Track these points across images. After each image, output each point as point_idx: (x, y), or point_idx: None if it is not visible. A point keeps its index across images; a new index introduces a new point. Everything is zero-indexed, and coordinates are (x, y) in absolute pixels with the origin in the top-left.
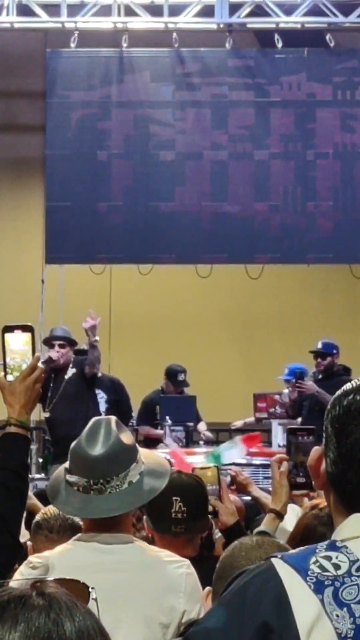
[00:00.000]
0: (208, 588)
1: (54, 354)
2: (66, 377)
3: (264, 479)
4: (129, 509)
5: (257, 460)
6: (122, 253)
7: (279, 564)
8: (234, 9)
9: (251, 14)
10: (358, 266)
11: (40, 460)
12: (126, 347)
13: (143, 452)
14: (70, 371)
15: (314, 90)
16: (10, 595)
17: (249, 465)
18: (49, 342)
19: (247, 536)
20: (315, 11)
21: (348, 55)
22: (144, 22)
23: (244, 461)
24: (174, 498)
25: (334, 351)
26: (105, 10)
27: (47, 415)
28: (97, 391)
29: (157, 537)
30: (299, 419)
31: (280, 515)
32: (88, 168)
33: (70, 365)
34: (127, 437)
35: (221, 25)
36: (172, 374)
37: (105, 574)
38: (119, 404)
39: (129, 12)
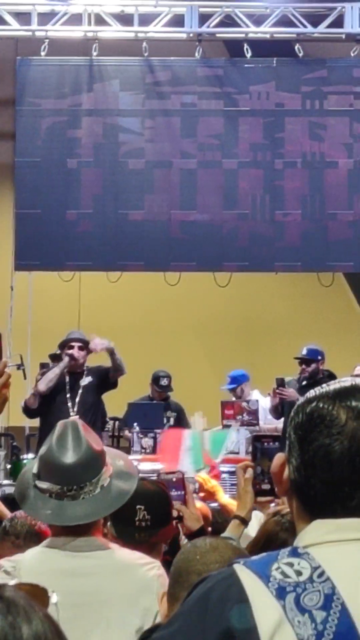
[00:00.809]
0: (162, 591)
1: (76, 352)
2: (82, 383)
3: (232, 485)
4: (104, 513)
5: (224, 467)
6: (91, 260)
7: (241, 570)
8: (203, 19)
9: (221, 24)
10: (326, 275)
11: (9, 466)
12: (94, 355)
13: (109, 452)
14: (86, 379)
15: (282, 99)
16: None
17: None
18: (67, 345)
19: (201, 538)
20: (284, 21)
21: (317, 65)
22: (114, 31)
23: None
24: (138, 507)
25: (319, 357)
26: (75, 19)
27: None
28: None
29: (120, 543)
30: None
31: (244, 522)
32: (58, 176)
33: (85, 373)
34: (95, 442)
35: (191, 35)
36: (155, 379)
37: (79, 579)
38: (100, 411)
39: (99, 21)
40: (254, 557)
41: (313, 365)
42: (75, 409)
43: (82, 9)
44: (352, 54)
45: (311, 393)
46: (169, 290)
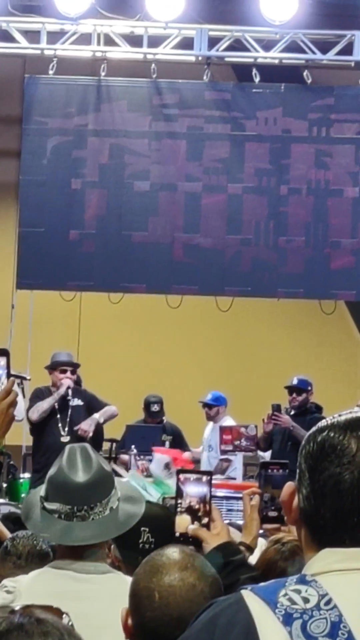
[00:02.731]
0: (125, 607)
1: (70, 381)
2: (71, 404)
3: (228, 511)
4: (112, 535)
5: (220, 493)
6: (93, 281)
7: (248, 596)
8: (213, 42)
9: (230, 47)
10: (328, 302)
11: (5, 485)
12: (94, 375)
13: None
14: (75, 400)
15: (289, 125)
16: (9, 624)
17: (212, 497)
18: (59, 369)
19: (170, 551)
20: (293, 47)
21: (324, 92)
22: (123, 52)
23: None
24: (142, 529)
25: (309, 388)
26: (84, 39)
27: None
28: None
29: (123, 566)
30: (268, 453)
31: (250, 549)
32: (62, 195)
33: (72, 394)
34: (105, 464)
35: (200, 58)
36: (146, 405)
37: (80, 603)
38: (98, 433)
39: (109, 41)
40: (262, 584)
41: (303, 395)
42: (67, 430)
43: (91, 29)
44: None
45: (323, 422)
46: (171, 313)
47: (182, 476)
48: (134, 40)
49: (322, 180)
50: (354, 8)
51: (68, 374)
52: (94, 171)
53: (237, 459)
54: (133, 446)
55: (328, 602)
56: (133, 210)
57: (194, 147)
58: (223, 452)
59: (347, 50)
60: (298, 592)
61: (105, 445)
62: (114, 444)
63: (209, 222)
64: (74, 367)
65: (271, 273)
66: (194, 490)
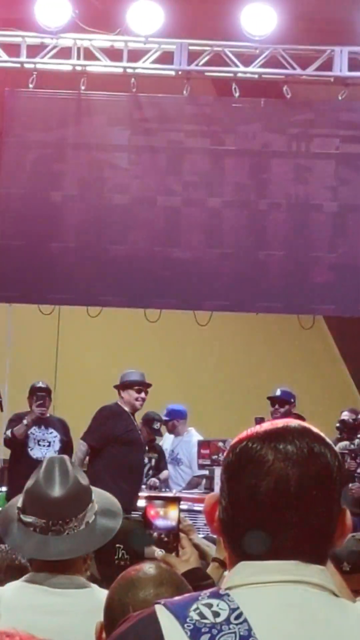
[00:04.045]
0: (99, 621)
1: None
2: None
3: (205, 525)
4: (87, 550)
5: (198, 507)
6: (72, 294)
7: (160, 611)
8: (193, 56)
9: (210, 62)
10: (306, 317)
11: None
12: (72, 388)
13: (94, 490)
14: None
15: (269, 140)
16: None
17: (189, 511)
18: (134, 387)
19: (146, 566)
20: (273, 62)
21: (304, 107)
22: (103, 66)
23: (184, 507)
24: (117, 545)
25: (292, 400)
26: (64, 53)
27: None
28: (51, 430)
29: (103, 584)
30: None
31: (224, 564)
32: (41, 208)
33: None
34: (82, 477)
35: (179, 72)
36: (148, 421)
37: (56, 617)
38: (68, 444)
39: (89, 55)
40: (177, 598)
41: (286, 407)
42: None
43: (71, 43)
44: (339, 98)
45: (243, 433)
46: (149, 327)
47: (152, 511)
48: (114, 54)
49: (301, 195)
50: (333, 23)
51: (143, 394)
52: (73, 184)
53: (216, 474)
54: None
55: (238, 617)
56: (112, 223)
57: (173, 161)
58: (201, 466)
59: (327, 65)
60: (209, 606)
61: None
62: None
63: (189, 236)
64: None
65: (250, 287)
66: (162, 524)
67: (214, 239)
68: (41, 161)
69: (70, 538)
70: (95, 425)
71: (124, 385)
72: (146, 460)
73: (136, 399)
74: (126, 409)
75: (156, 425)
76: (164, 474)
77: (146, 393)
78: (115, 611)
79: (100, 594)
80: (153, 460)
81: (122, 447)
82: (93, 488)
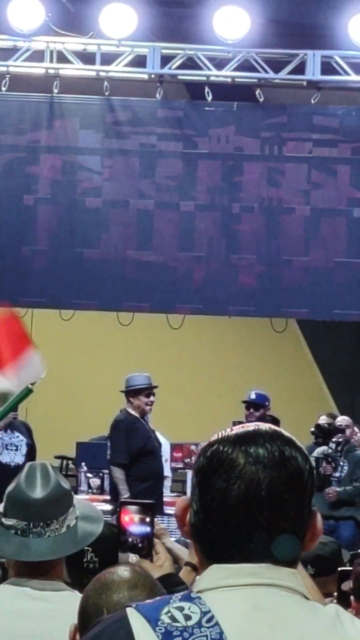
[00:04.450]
0: (73, 624)
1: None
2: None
3: (177, 528)
4: (67, 552)
5: (170, 510)
6: (45, 298)
7: (132, 614)
8: (165, 60)
9: (182, 66)
10: (279, 320)
11: None
12: (44, 392)
13: (75, 497)
14: (21, 436)
15: (242, 144)
16: None
17: (162, 514)
18: (144, 392)
19: (121, 568)
20: (246, 66)
21: (277, 110)
22: (75, 69)
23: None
24: (86, 548)
25: (267, 403)
26: (37, 56)
27: None
28: (17, 434)
29: (72, 585)
30: None
31: (196, 568)
32: (14, 212)
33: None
34: (64, 482)
35: (152, 76)
36: None
37: (35, 622)
38: (33, 448)
39: (62, 58)
40: (148, 601)
41: (261, 410)
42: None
43: (44, 46)
44: (312, 101)
45: (214, 436)
46: (122, 330)
47: (126, 517)
48: (87, 58)
49: (274, 198)
50: (306, 27)
51: (152, 397)
52: (46, 188)
53: (189, 477)
54: (83, 463)
55: (210, 620)
56: (85, 227)
57: (146, 165)
58: (174, 469)
59: (300, 69)
60: (181, 609)
61: (56, 462)
62: (64, 462)
63: (161, 240)
64: (155, 388)
65: (223, 291)
66: (136, 530)
67: (187, 242)
68: (14, 164)
69: (51, 540)
70: (120, 444)
71: (133, 391)
72: None
73: (146, 404)
74: (136, 414)
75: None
76: None
77: (154, 395)
78: (89, 614)
79: (78, 598)
80: None
81: (146, 456)
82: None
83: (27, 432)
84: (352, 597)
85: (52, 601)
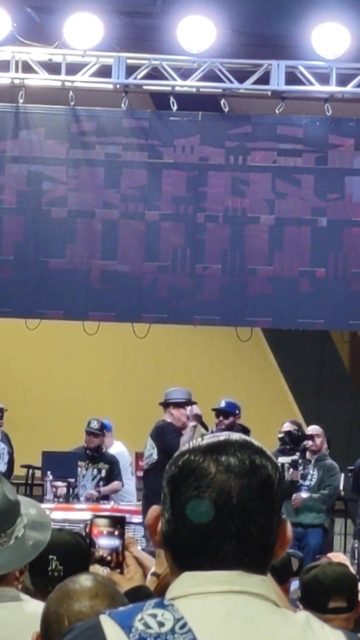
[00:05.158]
0: (35, 631)
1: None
2: None
3: (143, 537)
4: (19, 565)
5: (136, 519)
6: (10, 307)
7: (105, 621)
8: (131, 70)
9: (148, 76)
10: (244, 329)
11: None
12: (11, 401)
13: (23, 501)
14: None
15: (206, 153)
16: None
17: (128, 523)
18: (184, 405)
19: (83, 577)
20: (210, 76)
21: (241, 120)
22: (41, 79)
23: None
24: (50, 557)
25: (237, 411)
26: (3, 66)
27: None
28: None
29: (35, 594)
30: None
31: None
32: None
33: None
34: (10, 491)
35: (117, 86)
36: (87, 423)
37: None
38: (12, 455)
39: (27, 68)
40: (122, 608)
41: (230, 418)
42: None
43: (9, 56)
44: (277, 111)
45: (186, 446)
46: (88, 339)
47: (95, 529)
48: (52, 68)
49: (238, 208)
50: (270, 38)
51: (187, 410)
52: (11, 197)
53: None
54: (49, 472)
55: (183, 626)
56: (50, 236)
57: (111, 175)
58: (139, 477)
59: (264, 79)
60: (154, 616)
61: (22, 472)
62: (30, 470)
63: (126, 249)
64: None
65: (188, 300)
66: (106, 543)
67: (152, 252)
68: None
69: (1, 553)
70: (171, 438)
71: (175, 404)
72: (95, 471)
73: (186, 417)
74: (176, 424)
75: (93, 424)
76: (112, 486)
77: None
78: (51, 622)
79: (33, 606)
80: (103, 471)
81: None
82: (23, 498)
83: (7, 440)
84: (300, 605)
85: (5, 608)
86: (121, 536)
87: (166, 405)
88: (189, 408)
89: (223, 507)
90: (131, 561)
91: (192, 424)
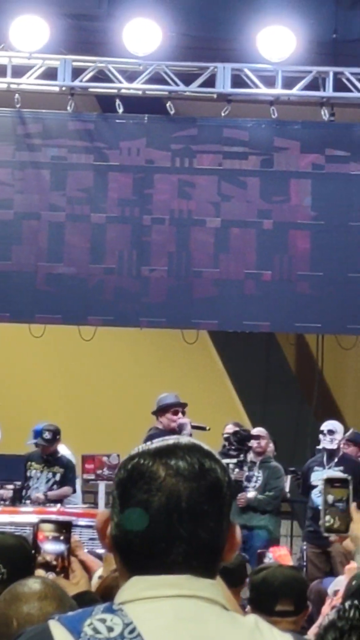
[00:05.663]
0: None
1: None
2: None
3: (90, 540)
4: None
5: (82, 522)
6: None
7: (54, 626)
8: (76, 73)
9: (94, 78)
10: (190, 332)
11: None
12: None
13: None
14: None
15: (152, 156)
16: None
17: (75, 526)
18: (171, 410)
19: (31, 581)
20: (156, 79)
21: (187, 123)
22: None
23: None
24: None
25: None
26: None
27: None
28: None
29: None
30: None
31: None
32: None
33: None
34: None
35: (63, 88)
36: (39, 432)
37: None
38: None
39: None
40: (70, 613)
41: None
42: None
43: None
44: (222, 114)
45: (134, 450)
46: (34, 342)
47: (40, 534)
48: None
49: (184, 210)
50: (216, 41)
51: (179, 415)
52: None
53: (100, 488)
54: None
55: (132, 631)
56: None
57: (57, 177)
58: (86, 481)
59: (210, 82)
60: (103, 621)
61: None
62: None
63: (73, 252)
64: (184, 407)
65: (134, 302)
66: (51, 548)
67: (98, 254)
68: None
69: None
70: None
71: (160, 410)
72: (50, 474)
73: (173, 422)
74: (165, 430)
75: (45, 435)
76: (60, 491)
77: (183, 413)
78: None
79: None
80: (58, 475)
81: None
82: None
83: None
84: (248, 607)
85: None
86: (67, 541)
87: (156, 413)
88: (176, 417)
89: (173, 510)
90: (77, 566)
91: (183, 433)
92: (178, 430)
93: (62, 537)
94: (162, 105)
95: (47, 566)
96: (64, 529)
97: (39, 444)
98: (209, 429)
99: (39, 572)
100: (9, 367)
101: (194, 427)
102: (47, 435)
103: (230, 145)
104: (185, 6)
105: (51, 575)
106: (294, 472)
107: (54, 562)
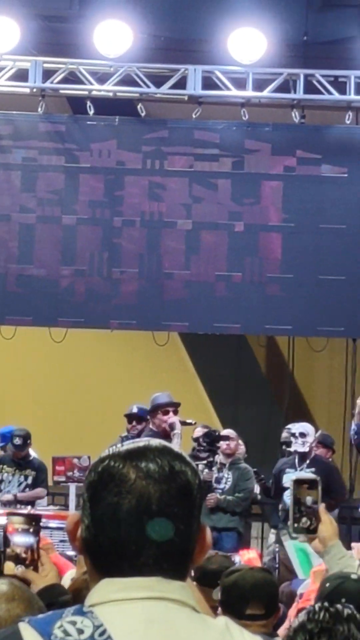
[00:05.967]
0: None
1: None
2: None
3: (60, 542)
4: None
5: (53, 524)
6: None
7: (25, 629)
8: (47, 74)
9: (65, 80)
10: (161, 334)
11: None
12: None
13: None
14: None
15: (123, 158)
16: None
17: (44, 528)
18: (161, 410)
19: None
20: (127, 81)
21: (158, 125)
22: None
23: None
24: None
25: (148, 417)
26: None
27: None
28: None
29: None
30: None
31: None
32: None
33: None
34: None
35: (34, 90)
36: (11, 437)
37: None
38: None
39: None
40: (41, 615)
41: (143, 423)
42: None
43: None
44: (193, 116)
45: (105, 452)
46: (4, 344)
47: (10, 527)
48: None
49: (155, 212)
50: (187, 43)
51: (170, 414)
52: None
53: (71, 490)
54: None
55: (102, 633)
56: None
57: (28, 179)
58: (56, 482)
59: (181, 84)
60: (73, 623)
61: None
62: None
63: (43, 253)
64: (176, 406)
65: (104, 304)
66: (21, 540)
67: (69, 256)
68: None
69: None
70: None
71: (152, 410)
72: (22, 477)
73: (164, 422)
74: (157, 431)
75: (16, 441)
76: (32, 493)
77: (175, 413)
78: None
79: None
80: (30, 478)
81: None
82: None
83: None
84: (220, 609)
85: None
86: (36, 533)
87: (149, 414)
88: (166, 417)
89: (143, 512)
90: (46, 559)
91: (173, 432)
92: (169, 430)
93: (31, 530)
94: (133, 107)
95: (17, 559)
96: (33, 521)
97: (8, 449)
98: (195, 423)
99: (9, 564)
100: None
101: (182, 424)
102: (17, 441)
103: (201, 147)
104: (156, 8)
105: (21, 568)
106: (256, 473)
107: (24, 555)
